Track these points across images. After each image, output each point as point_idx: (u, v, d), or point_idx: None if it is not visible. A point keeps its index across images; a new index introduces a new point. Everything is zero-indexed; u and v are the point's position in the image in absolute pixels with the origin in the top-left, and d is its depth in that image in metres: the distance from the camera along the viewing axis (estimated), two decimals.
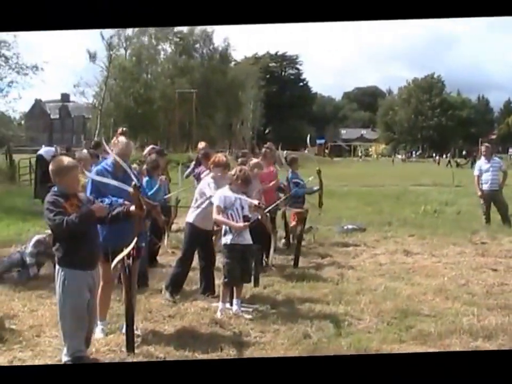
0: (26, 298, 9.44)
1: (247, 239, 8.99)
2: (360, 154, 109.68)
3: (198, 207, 9.64)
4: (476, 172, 17.53)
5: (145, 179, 11.86)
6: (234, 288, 9.04)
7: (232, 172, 9.08)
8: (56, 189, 6.41)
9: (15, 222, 17.34)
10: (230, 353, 7.11)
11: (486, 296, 9.75)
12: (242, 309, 8.88)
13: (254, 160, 11.62)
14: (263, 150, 13.41)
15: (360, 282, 10.78)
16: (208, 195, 9.39)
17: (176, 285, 9.65)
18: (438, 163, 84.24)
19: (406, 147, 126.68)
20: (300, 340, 7.54)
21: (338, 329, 7.97)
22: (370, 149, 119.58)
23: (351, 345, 7.30)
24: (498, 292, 10.03)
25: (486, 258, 12.81)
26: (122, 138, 8.32)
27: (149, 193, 11.33)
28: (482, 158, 17.87)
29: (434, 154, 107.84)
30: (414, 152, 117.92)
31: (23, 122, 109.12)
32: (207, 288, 9.64)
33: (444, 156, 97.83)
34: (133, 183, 6.86)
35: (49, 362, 6.78)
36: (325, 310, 8.93)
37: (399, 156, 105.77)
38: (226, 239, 8.92)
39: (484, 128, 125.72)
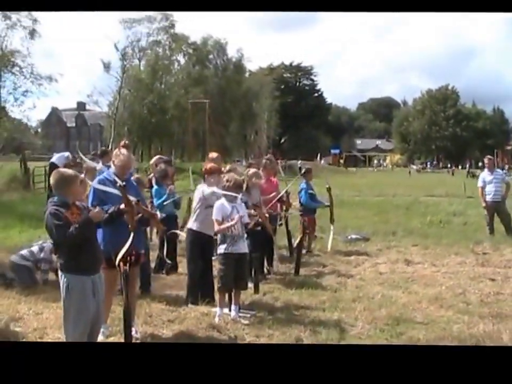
0: (33, 301, 9.70)
1: (242, 248, 9.26)
2: (375, 165, 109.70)
3: (195, 213, 9.95)
4: (480, 184, 17.79)
5: (154, 188, 12.16)
6: (232, 295, 9.27)
7: (223, 185, 9.40)
8: (56, 199, 6.64)
9: (27, 229, 17.56)
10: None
11: (480, 304, 9.89)
12: (240, 314, 9.09)
13: (252, 170, 11.87)
14: (264, 161, 13.61)
15: (358, 290, 10.95)
16: (206, 193, 9.73)
17: (192, 294, 9.88)
18: (452, 173, 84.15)
19: (421, 157, 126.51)
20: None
21: (330, 335, 8.14)
22: (386, 160, 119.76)
23: None
24: (493, 301, 10.17)
25: (486, 268, 12.95)
26: (123, 151, 8.60)
27: (158, 202, 11.68)
28: (486, 170, 18.16)
29: (449, 165, 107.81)
30: (429, 163, 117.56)
31: (39, 130, 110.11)
32: (206, 294, 9.81)
33: (460, 167, 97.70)
34: (118, 184, 7.25)
35: None
36: (320, 316, 9.13)
37: (414, 167, 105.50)
38: (221, 248, 9.20)
39: (500, 139, 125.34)
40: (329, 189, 13.85)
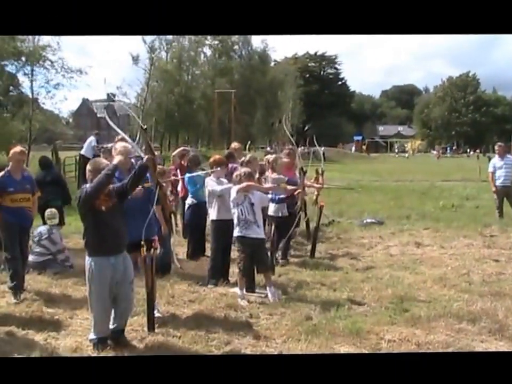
0: (63, 285, 10.37)
1: (256, 233, 9.72)
2: (396, 150, 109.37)
3: (211, 205, 10.63)
4: (490, 169, 18.33)
5: (187, 175, 12.63)
6: (263, 276, 9.86)
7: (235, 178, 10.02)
8: (88, 186, 7.24)
9: None
10: (238, 333, 7.87)
11: (481, 284, 10.38)
12: (256, 294, 9.73)
13: (272, 156, 12.47)
14: (286, 150, 14.05)
15: (368, 271, 11.48)
16: (217, 189, 10.41)
17: (214, 276, 10.48)
18: (478, 157, 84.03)
19: (441, 143, 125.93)
20: (301, 321, 8.26)
21: (338, 313, 8.65)
22: (406, 145, 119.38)
23: (346, 326, 7.96)
24: (494, 281, 10.67)
25: (491, 250, 13.44)
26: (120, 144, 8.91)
27: (193, 189, 12.21)
28: (496, 156, 18.66)
29: (468, 150, 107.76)
30: (448, 148, 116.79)
31: (71, 120, 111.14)
32: (223, 274, 10.55)
33: (478, 151, 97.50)
34: (141, 125, 7.83)
35: (79, 340, 7.65)
36: (330, 295, 9.69)
37: (434, 152, 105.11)
38: (236, 232, 9.79)
39: None
40: (320, 172, 14.13)
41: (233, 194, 9.84)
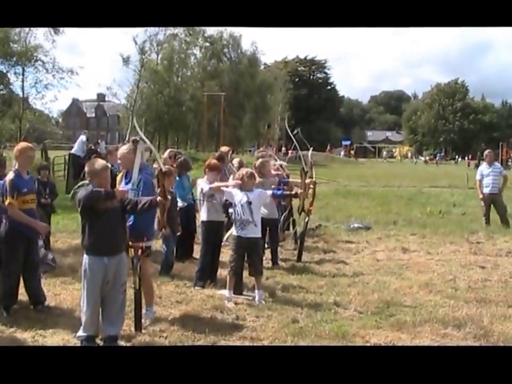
0: (52, 284, 10.34)
1: (252, 233, 9.64)
2: (384, 156, 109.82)
3: (201, 206, 10.67)
4: (478, 177, 18.45)
5: (176, 179, 12.67)
6: (254, 279, 9.84)
7: (238, 175, 10.00)
8: (90, 187, 7.35)
9: None
10: (225, 334, 7.89)
11: (467, 290, 10.42)
12: (243, 297, 9.74)
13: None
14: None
15: (354, 276, 11.49)
16: (207, 188, 10.40)
17: (201, 278, 10.44)
18: (468, 165, 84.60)
19: (428, 149, 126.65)
20: (288, 324, 8.31)
21: (324, 316, 8.70)
22: (394, 150, 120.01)
23: (332, 330, 8.02)
24: (480, 287, 10.70)
25: (477, 256, 13.50)
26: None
27: (183, 193, 12.30)
28: (484, 163, 18.82)
29: (457, 157, 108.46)
30: (438, 155, 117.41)
31: (60, 120, 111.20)
32: (211, 276, 10.59)
33: (466, 159, 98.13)
34: (159, 168, 7.61)
35: (66, 338, 7.69)
36: (316, 299, 9.70)
37: (422, 158, 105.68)
38: (234, 231, 9.81)
39: (506, 132, 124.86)
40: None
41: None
